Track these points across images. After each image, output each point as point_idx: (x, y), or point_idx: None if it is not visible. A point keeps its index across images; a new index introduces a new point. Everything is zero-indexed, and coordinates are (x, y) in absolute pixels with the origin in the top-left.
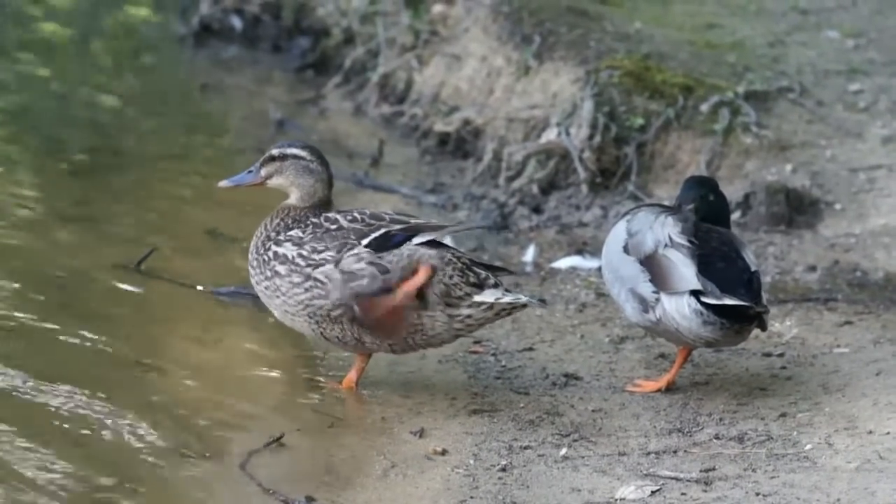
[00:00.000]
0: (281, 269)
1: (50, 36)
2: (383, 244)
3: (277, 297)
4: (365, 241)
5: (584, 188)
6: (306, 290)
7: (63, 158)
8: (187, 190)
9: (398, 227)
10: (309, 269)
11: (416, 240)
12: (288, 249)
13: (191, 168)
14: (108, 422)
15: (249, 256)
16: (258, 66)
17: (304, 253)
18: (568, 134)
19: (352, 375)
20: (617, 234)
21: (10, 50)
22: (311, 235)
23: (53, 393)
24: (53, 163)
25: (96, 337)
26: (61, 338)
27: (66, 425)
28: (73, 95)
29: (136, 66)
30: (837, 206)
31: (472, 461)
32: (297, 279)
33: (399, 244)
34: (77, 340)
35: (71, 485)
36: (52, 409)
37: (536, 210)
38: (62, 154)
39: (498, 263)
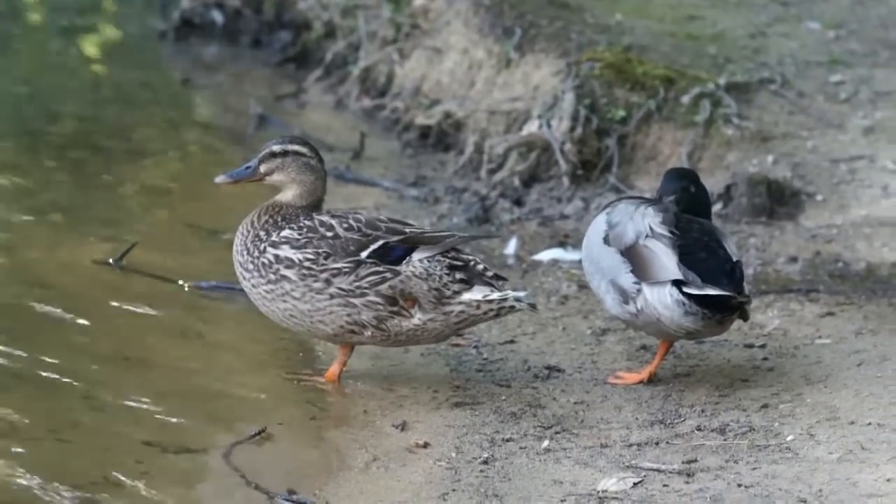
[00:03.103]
0: (289, 273)
1: (30, 29)
2: (382, 257)
3: (285, 301)
4: (365, 254)
5: (566, 180)
6: (331, 296)
7: (43, 153)
8: (168, 185)
9: (396, 238)
10: (326, 275)
11: (417, 255)
12: (289, 252)
13: (171, 163)
14: (91, 416)
15: (239, 256)
16: (239, 61)
17: (311, 256)
18: (549, 126)
19: (334, 369)
20: (597, 227)
21: None
22: (306, 239)
23: (35, 388)
24: (33, 157)
25: (78, 332)
26: (42, 333)
27: (47, 420)
28: (53, 90)
29: (116, 61)
30: (819, 197)
31: (453, 454)
32: (315, 285)
33: (399, 257)
34: (59, 335)
35: (54, 480)
36: (34, 405)
37: (518, 202)
38: (42, 149)
39: (481, 257)
